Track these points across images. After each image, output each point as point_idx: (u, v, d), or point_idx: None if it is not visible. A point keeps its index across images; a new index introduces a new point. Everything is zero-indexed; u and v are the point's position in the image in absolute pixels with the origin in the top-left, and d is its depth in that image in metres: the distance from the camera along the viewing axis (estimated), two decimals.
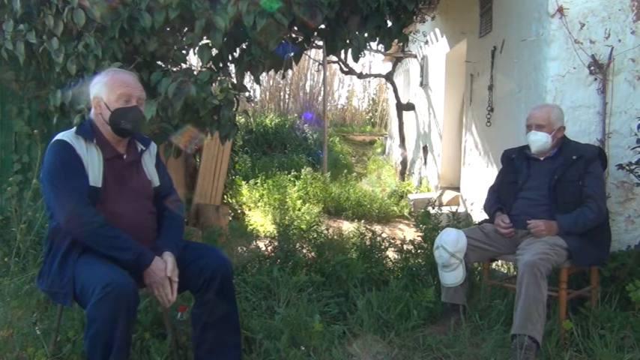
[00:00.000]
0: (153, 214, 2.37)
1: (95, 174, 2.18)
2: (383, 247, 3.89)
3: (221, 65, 3.45)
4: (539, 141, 3.03)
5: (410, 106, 8.88)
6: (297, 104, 13.30)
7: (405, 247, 3.85)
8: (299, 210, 5.99)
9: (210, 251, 2.36)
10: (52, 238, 2.21)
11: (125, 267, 2.11)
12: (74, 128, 2.26)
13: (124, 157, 2.31)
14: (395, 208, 6.60)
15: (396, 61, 9.93)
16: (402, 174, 8.79)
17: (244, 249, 3.89)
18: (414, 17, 4.58)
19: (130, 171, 2.32)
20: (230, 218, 5.45)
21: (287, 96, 13.55)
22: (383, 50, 6.76)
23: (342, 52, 3.77)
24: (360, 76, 10.00)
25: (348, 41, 3.56)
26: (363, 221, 6.02)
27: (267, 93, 13.46)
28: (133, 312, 2.03)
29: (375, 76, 11.16)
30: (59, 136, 2.21)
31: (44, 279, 2.23)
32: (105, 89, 2.24)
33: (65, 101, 3.14)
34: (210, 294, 2.25)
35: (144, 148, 2.40)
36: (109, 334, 1.92)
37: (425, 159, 7.87)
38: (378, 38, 3.64)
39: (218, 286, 2.25)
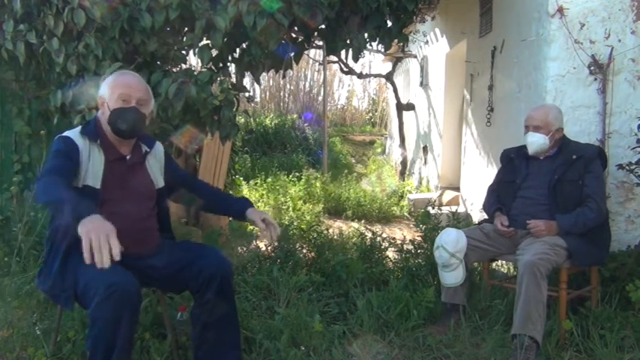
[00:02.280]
0: (154, 216, 2.37)
1: (95, 174, 2.18)
2: (383, 247, 3.89)
3: (221, 65, 3.46)
4: (535, 142, 3.04)
5: (410, 106, 8.87)
6: (297, 104, 13.30)
7: (405, 247, 3.85)
8: (299, 210, 6.00)
9: (209, 251, 2.36)
10: (52, 238, 2.21)
11: (127, 266, 2.11)
12: (79, 127, 2.27)
13: (127, 158, 2.31)
14: (395, 208, 6.60)
15: (396, 61, 9.93)
16: (402, 174, 8.79)
17: (244, 249, 3.89)
18: (414, 17, 4.58)
19: (133, 172, 2.32)
20: (230, 218, 5.45)
21: (287, 96, 13.54)
22: (383, 50, 6.75)
23: (342, 52, 3.77)
24: (360, 76, 10.00)
25: (348, 41, 3.56)
26: (363, 221, 6.02)
27: (267, 93, 13.46)
28: (135, 312, 2.03)
29: (375, 76, 11.17)
30: (64, 133, 2.22)
31: (45, 279, 2.22)
32: (108, 89, 2.26)
33: (65, 101, 3.14)
34: (209, 294, 2.25)
35: (148, 150, 2.39)
36: (111, 334, 1.92)
37: (425, 159, 7.87)
38: (378, 38, 3.64)
39: (217, 287, 2.25)
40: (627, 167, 3.17)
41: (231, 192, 6.20)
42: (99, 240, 1.71)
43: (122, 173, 2.27)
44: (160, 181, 2.41)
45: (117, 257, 1.73)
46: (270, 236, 2.37)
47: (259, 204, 6.47)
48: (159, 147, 2.47)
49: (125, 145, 2.32)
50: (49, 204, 1.96)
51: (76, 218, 1.77)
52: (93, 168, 2.18)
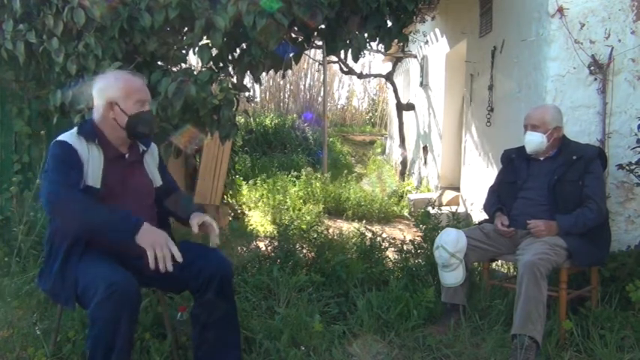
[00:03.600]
0: (154, 215, 2.37)
1: (95, 174, 2.18)
2: (383, 247, 3.89)
3: (221, 65, 3.45)
4: (533, 141, 3.04)
5: (410, 106, 8.87)
6: (297, 104, 13.29)
7: (405, 247, 3.85)
8: (299, 210, 5.99)
9: (209, 252, 2.36)
10: (52, 239, 2.21)
11: (126, 266, 2.11)
12: (75, 129, 2.26)
13: (126, 156, 2.32)
14: (395, 208, 6.60)
15: (396, 61, 9.93)
16: (402, 174, 8.78)
17: (244, 249, 3.89)
18: (414, 17, 4.58)
19: (132, 171, 2.32)
20: (230, 218, 5.45)
21: (287, 96, 13.54)
22: (383, 50, 6.75)
23: (342, 52, 3.77)
24: (360, 76, 10.00)
25: (348, 41, 3.56)
26: (363, 221, 6.02)
27: (267, 93, 13.46)
28: (135, 312, 2.03)
29: (375, 76, 11.16)
30: (60, 137, 2.21)
31: (45, 280, 2.23)
32: (121, 94, 2.23)
33: (65, 101, 3.14)
34: (209, 294, 2.25)
35: (145, 149, 2.40)
36: (111, 334, 1.93)
37: (425, 159, 7.87)
38: (378, 38, 3.64)
39: (217, 287, 2.25)
40: (627, 167, 3.17)
41: (230, 192, 6.20)
42: (162, 250, 2.00)
43: (122, 172, 2.27)
44: (157, 180, 2.42)
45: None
46: (211, 239, 2.30)
47: (259, 204, 6.47)
48: (154, 146, 2.49)
49: (124, 144, 2.32)
50: (92, 230, 2.06)
51: (131, 234, 2.01)
52: (93, 167, 2.18)
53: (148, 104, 2.29)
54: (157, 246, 2.01)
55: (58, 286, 2.15)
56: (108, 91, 2.25)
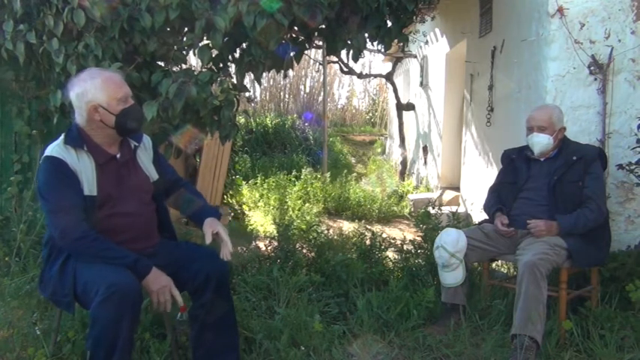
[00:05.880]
0: (153, 212, 2.36)
1: (89, 182, 2.15)
2: (383, 247, 3.89)
3: (221, 65, 3.45)
4: (541, 143, 3.03)
5: (410, 106, 8.87)
6: (297, 104, 13.29)
7: (405, 247, 3.85)
8: (299, 210, 6.00)
9: (205, 253, 2.36)
10: (51, 243, 2.21)
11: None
12: (61, 138, 2.20)
13: (118, 157, 2.27)
14: (395, 208, 6.60)
15: (396, 61, 9.92)
16: (402, 174, 8.78)
17: (244, 249, 3.89)
18: (414, 17, 4.57)
19: (127, 170, 2.29)
20: (230, 218, 5.45)
21: (287, 96, 13.54)
22: (383, 50, 6.74)
23: (343, 52, 3.77)
24: (360, 76, 9.99)
25: (348, 41, 3.56)
26: (363, 221, 6.02)
27: (267, 93, 13.45)
28: (137, 312, 2.04)
29: (375, 76, 11.16)
30: (48, 152, 2.17)
31: (46, 285, 2.23)
32: (102, 94, 2.17)
33: (65, 101, 3.14)
34: (206, 296, 2.25)
35: (137, 144, 2.36)
36: (112, 334, 1.93)
37: (425, 159, 7.87)
38: (378, 38, 3.64)
39: (214, 289, 2.25)
40: (627, 167, 3.17)
41: (230, 192, 6.19)
42: (164, 297, 2.11)
43: (116, 173, 2.25)
44: (153, 174, 2.38)
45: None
46: (222, 252, 2.27)
47: (259, 204, 6.47)
48: (146, 140, 2.44)
49: (113, 144, 2.28)
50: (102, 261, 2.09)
51: (138, 276, 2.07)
52: (86, 176, 2.16)
53: (130, 98, 2.24)
54: (161, 292, 2.10)
55: (59, 292, 2.15)
56: (88, 94, 2.18)
